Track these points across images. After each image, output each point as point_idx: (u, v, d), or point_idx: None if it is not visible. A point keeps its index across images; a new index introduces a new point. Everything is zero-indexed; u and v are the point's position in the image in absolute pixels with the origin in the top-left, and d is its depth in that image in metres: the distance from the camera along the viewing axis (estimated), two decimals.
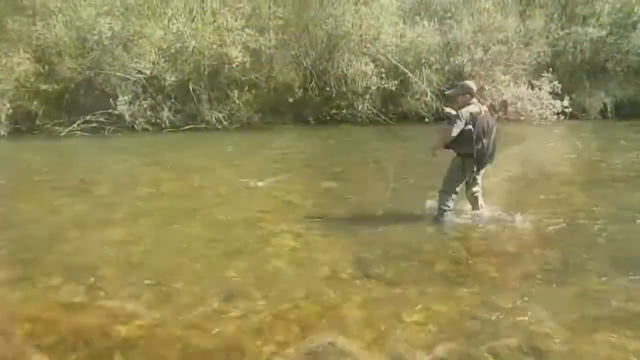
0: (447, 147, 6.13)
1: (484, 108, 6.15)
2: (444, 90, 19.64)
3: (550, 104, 20.61)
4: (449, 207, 6.32)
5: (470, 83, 6.25)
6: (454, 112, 6.00)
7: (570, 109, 21.08)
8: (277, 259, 5.35)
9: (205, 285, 4.69)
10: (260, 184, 8.68)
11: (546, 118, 20.62)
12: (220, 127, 17.04)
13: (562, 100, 20.69)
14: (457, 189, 6.32)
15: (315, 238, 6.02)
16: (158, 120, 16.68)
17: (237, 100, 17.21)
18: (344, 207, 7.37)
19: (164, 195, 8.35)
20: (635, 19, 23.58)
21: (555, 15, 23.45)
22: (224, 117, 17.23)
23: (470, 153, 6.01)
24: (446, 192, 6.31)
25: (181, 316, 4.10)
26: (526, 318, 4.02)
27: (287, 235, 6.05)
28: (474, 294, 4.47)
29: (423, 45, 18.83)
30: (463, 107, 5.98)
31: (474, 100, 6.08)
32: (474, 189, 6.43)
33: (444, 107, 6.75)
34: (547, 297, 4.41)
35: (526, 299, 4.35)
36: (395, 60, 18.56)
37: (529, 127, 18.34)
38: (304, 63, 18.48)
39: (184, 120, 16.95)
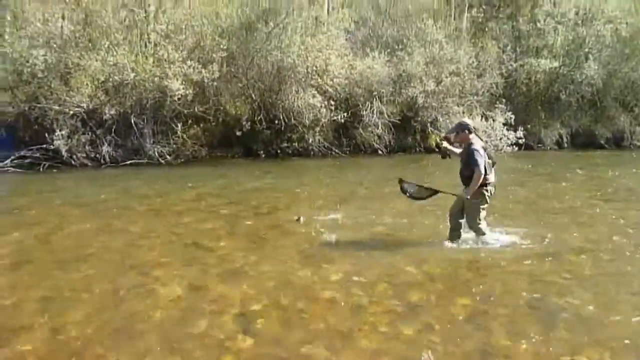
0: (464, 183, 6.45)
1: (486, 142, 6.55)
2: (396, 122, 19.67)
3: (504, 135, 20.51)
4: (487, 232, 6.65)
5: (467, 120, 6.67)
6: (457, 151, 6.53)
7: (524, 140, 21.03)
8: None
9: None
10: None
11: (501, 149, 20.47)
12: (163, 162, 16.43)
13: (515, 131, 20.62)
14: (483, 216, 6.60)
15: None
16: (97, 156, 16.00)
17: (180, 134, 16.63)
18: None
19: None
20: (586, 50, 23.83)
21: (509, 47, 23.62)
22: (167, 152, 16.62)
23: (488, 183, 6.35)
24: (477, 224, 6.55)
25: None
26: None
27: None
28: None
29: (373, 77, 18.57)
30: (464, 143, 6.37)
31: (472, 135, 6.38)
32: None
33: (441, 143, 6.73)
34: None
35: None
36: (344, 92, 18.27)
37: None
38: (252, 95, 18.05)
39: (126, 155, 16.30)
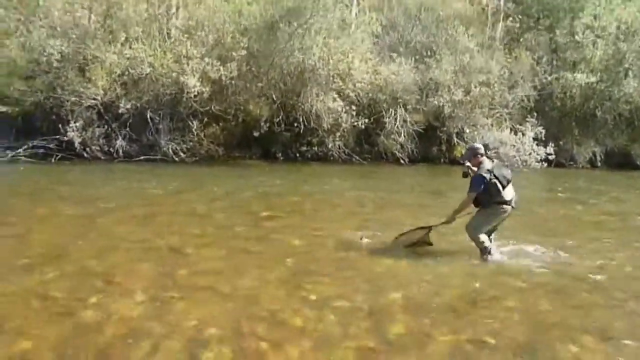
0: (476, 205, 6.50)
1: (497, 161, 6.71)
2: (420, 131, 18.99)
3: (534, 150, 19.65)
4: (488, 244, 6.49)
5: (476, 144, 6.78)
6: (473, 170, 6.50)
7: (554, 156, 20.14)
8: None
9: None
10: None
11: (529, 165, 19.64)
12: (177, 159, 16.10)
13: (546, 146, 19.75)
14: (486, 230, 6.53)
15: None
16: (111, 149, 15.78)
17: (196, 132, 16.29)
18: None
19: None
20: (626, 66, 22.75)
21: (544, 59, 22.68)
22: (182, 149, 16.30)
23: (501, 201, 6.37)
24: (478, 231, 6.48)
25: None
26: None
27: None
28: None
29: (398, 84, 17.94)
30: (477, 167, 6.41)
31: (484, 158, 6.47)
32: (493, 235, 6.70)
33: (467, 163, 6.69)
34: None
35: None
36: (367, 97, 17.69)
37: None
38: (273, 96, 17.60)
39: (140, 150, 16.04)
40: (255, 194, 10.90)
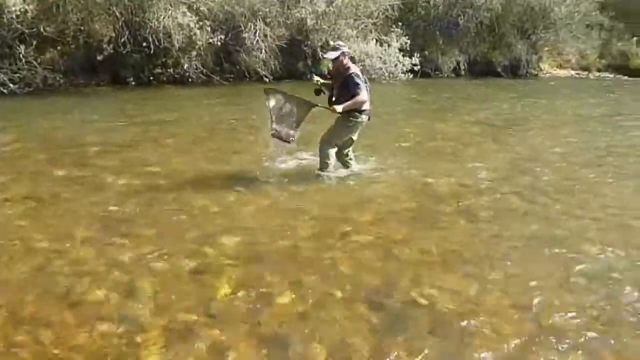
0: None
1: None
2: (283, 46, 17.90)
3: (399, 61, 19.33)
4: (330, 162, 6.18)
5: (342, 43, 6.28)
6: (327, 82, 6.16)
7: (420, 67, 20.01)
8: None
9: None
10: None
11: (397, 77, 19.36)
12: (6, 91, 13.95)
13: (411, 57, 19.50)
14: (339, 144, 6.21)
15: None
16: None
17: (24, 58, 14.11)
18: None
19: None
20: None
21: None
22: (10, 79, 14.12)
23: (364, 110, 5.97)
24: (329, 145, 6.13)
25: None
26: None
27: None
28: None
29: None
30: (341, 69, 5.90)
31: (347, 60, 5.97)
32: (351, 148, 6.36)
33: (316, 78, 6.31)
34: None
35: None
36: (223, 11, 16.23)
37: (380, 87, 16.74)
38: (116, 13, 15.59)
39: None
40: (87, 128, 9.51)
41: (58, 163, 6.74)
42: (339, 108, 5.82)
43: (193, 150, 7.81)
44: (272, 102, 5.89)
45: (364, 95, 5.81)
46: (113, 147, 7.81)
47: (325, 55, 6.25)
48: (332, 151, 6.17)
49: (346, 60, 5.94)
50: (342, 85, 5.93)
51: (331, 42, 18.35)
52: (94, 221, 4.66)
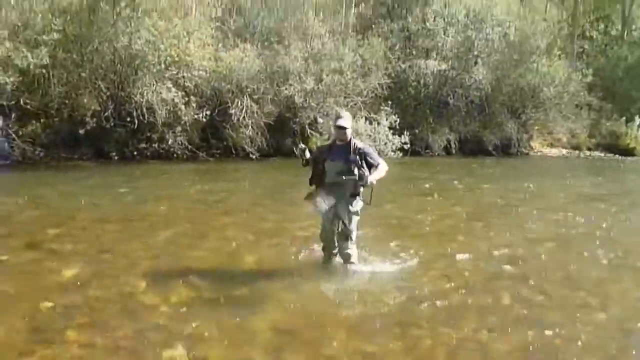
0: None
1: None
2: (270, 123, 17.63)
3: (389, 139, 19.13)
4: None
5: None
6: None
7: (410, 145, 19.82)
8: None
9: None
10: None
11: (386, 154, 19.07)
12: None
13: (401, 135, 19.33)
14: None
15: None
16: None
17: (2, 131, 13.76)
18: None
19: None
20: (476, 53, 23.05)
21: (397, 47, 22.28)
22: None
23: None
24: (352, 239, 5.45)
25: None
26: None
27: None
28: None
29: (243, 72, 16.42)
30: (344, 141, 5.26)
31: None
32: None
33: (302, 146, 5.53)
34: None
35: None
36: (210, 87, 16.05)
37: None
38: (101, 87, 15.36)
39: None
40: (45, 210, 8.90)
41: None
42: (374, 179, 5.17)
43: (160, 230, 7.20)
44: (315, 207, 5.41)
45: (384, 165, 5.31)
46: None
47: (341, 123, 5.33)
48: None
49: (350, 132, 5.35)
50: (349, 157, 5.22)
51: (320, 120, 18.34)
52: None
